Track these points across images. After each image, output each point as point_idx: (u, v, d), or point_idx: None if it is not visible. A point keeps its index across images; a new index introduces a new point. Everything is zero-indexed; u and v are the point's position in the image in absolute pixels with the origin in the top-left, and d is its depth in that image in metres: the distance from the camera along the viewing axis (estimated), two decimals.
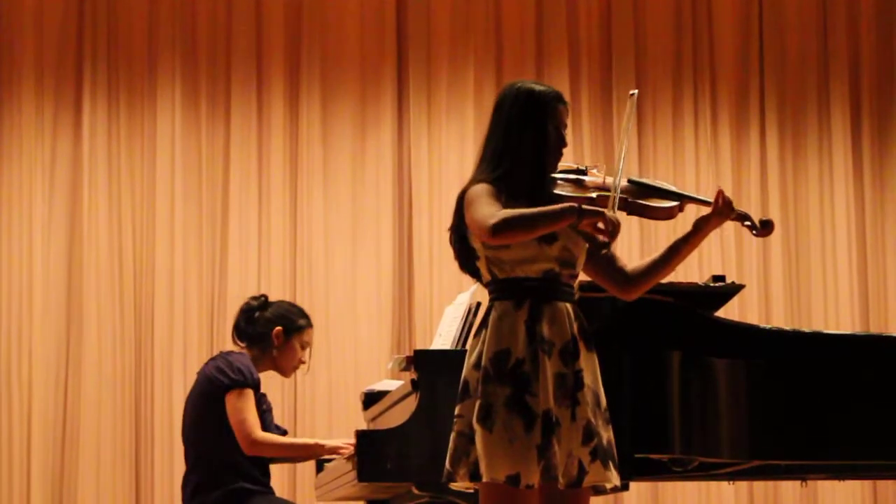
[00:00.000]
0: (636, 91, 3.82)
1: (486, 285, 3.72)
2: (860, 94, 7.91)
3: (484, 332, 3.63)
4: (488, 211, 3.55)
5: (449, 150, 7.47)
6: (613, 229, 3.48)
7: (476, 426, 3.54)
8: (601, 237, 3.51)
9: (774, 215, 7.71)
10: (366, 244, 7.38)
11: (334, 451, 5.12)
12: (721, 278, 4.65)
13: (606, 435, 3.61)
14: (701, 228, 3.78)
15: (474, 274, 3.74)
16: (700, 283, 4.69)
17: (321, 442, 5.23)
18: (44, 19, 7.32)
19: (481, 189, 3.62)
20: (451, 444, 3.61)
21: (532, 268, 3.62)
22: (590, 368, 3.63)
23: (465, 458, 3.57)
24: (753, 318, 7.45)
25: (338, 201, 7.41)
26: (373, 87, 7.52)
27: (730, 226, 7.54)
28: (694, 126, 7.76)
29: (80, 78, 7.32)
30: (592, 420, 3.57)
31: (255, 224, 7.32)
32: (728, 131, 7.78)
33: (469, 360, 3.64)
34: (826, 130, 7.85)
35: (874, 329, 7.63)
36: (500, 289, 3.65)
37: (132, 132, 7.31)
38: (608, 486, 3.61)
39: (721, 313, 4.68)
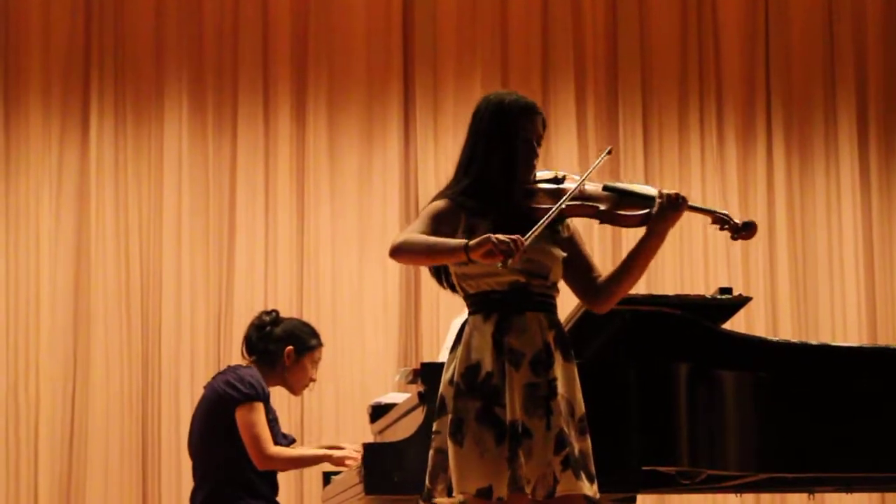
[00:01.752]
0: (610, 148, 3.78)
1: (464, 300, 3.71)
2: (867, 106, 7.91)
3: (458, 347, 3.64)
4: (407, 231, 3.59)
5: (455, 163, 7.46)
6: (506, 248, 3.39)
7: (448, 441, 3.54)
8: (497, 261, 3.43)
9: (781, 227, 7.71)
10: (372, 257, 7.38)
11: (343, 461, 5.12)
12: (728, 290, 4.65)
13: (580, 445, 3.57)
14: (654, 230, 3.66)
15: (453, 289, 3.74)
16: (707, 295, 4.69)
17: (330, 452, 5.22)
18: (51, 33, 7.34)
19: (429, 209, 3.65)
20: (429, 461, 3.61)
21: (497, 280, 3.61)
22: (565, 377, 3.60)
23: (443, 473, 3.57)
24: (760, 330, 7.44)
25: (344, 214, 7.41)
26: (379, 100, 7.53)
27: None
28: (700, 139, 7.76)
29: (87, 91, 7.33)
30: (565, 429, 3.53)
31: (262, 237, 7.33)
32: (734, 144, 7.78)
33: (444, 376, 3.64)
34: (833, 142, 7.85)
35: (882, 341, 7.62)
36: (472, 303, 3.66)
37: (139, 145, 7.32)
38: (585, 494, 3.53)
39: (728, 326, 4.68)
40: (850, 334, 7.62)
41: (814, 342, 4.95)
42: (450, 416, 3.56)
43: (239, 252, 7.29)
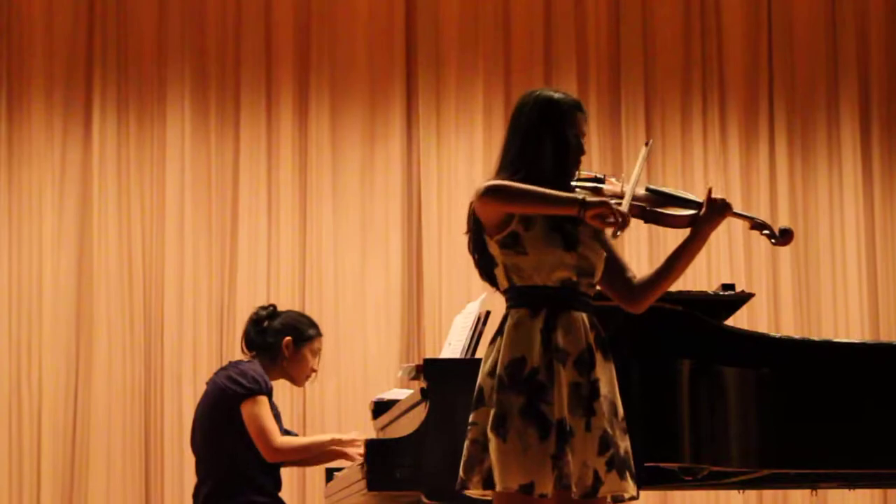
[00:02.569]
0: (651, 141, 3.85)
1: (503, 293, 3.69)
2: (869, 102, 7.91)
3: (499, 339, 3.62)
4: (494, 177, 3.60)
5: (458, 160, 7.48)
6: (622, 220, 3.46)
7: (490, 434, 3.53)
8: (609, 229, 3.48)
9: (784, 223, 7.67)
10: (375, 254, 7.38)
11: (352, 443, 5.12)
12: (731, 287, 4.65)
13: (624, 445, 3.59)
14: (699, 232, 3.73)
15: (493, 282, 3.73)
16: (710, 291, 4.69)
17: (336, 436, 5.23)
18: (54, 30, 7.34)
19: (496, 184, 3.60)
20: (465, 452, 3.59)
21: (550, 276, 3.61)
22: (606, 378, 3.61)
23: (479, 465, 3.55)
24: (763, 326, 7.44)
25: (347, 211, 7.42)
26: (382, 98, 7.53)
27: (738, 234, 7.59)
28: (703, 135, 7.76)
29: (90, 88, 7.33)
30: (609, 430, 3.55)
31: (265, 234, 7.33)
32: (737, 140, 7.78)
33: (484, 368, 3.63)
34: (835, 138, 7.85)
35: (884, 337, 7.63)
36: (517, 296, 3.64)
37: (142, 142, 7.33)
38: (626, 496, 3.57)
39: (730, 322, 4.68)
40: (852, 330, 7.62)
41: (816, 338, 4.95)
42: (492, 410, 3.54)
43: (241, 248, 7.30)
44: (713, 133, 7.76)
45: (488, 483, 3.53)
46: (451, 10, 7.62)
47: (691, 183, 7.63)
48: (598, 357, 3.61)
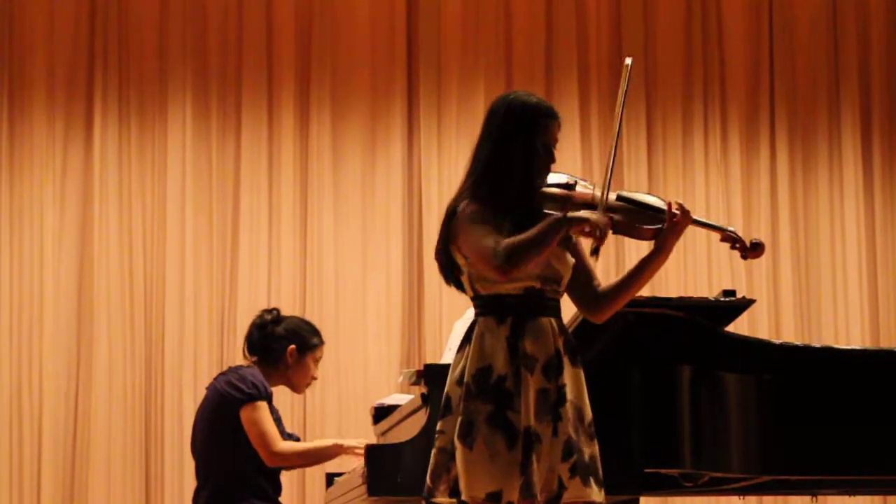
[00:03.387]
0: (630, 59, 3.76)
1: (471, 300, 3.71)
2: (870, 109, 7.91)
3: (467, 347, 3.62)
4: (489, 242, 3.54)
5: (459, 166, 7.45)
6: (601, 231, 3.47)
7: (457, 443, 3.53)
8: (591, 241, 3.50)
9: (785, 231, 7.71)
10: (376, 259, 7.39)
11: (353, 450, 5.12)
12: (731, 293, 4.65)
13: (589, 451, 3.58)
14: (664, 245, 3.67)
15: (459, 287, 3.74)
16: (710, 297, 4.69)
17: (340, 441, 5.22)
18: (54, 32, 7.34)
19: (472, 214, 3.60)
20: (431, 460, 3.60)
21: (513, 284, 3.60)
22: (573, 383, 3.60)
23: (446, 473, 3.56)
24: (763, 332, 7.44)
25: (348, 217, 7.42)
26: (383, 103, 7.53)
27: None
28: (704, 142, 7.76)
29: (90, 91, 7.34)
30: (573, 436, 3.54)
31: (266, 239, 7.34)
32: (738, 147, 7.78)
33: (452, 376, 3.62)
34: (836, 145, 7.86)
35: (885, 344, 7.62)
36: (483, 305, 3.64)
37: (143, 146, 7.33)
38: (590, 501, 3.54)
39: (731, 328, 4.68)
40: (852, 337, 7.62)
41: (817, 345, 4.95)
42: (459, 418, 3.54)
43: (242, 254, 7.30)
44: (714, 139, 7.77)
45: (454, 491, 3.53)
46: (452, 16, 7.62)
47: (692, 189, 7.63)
48: (566, 363, 3.60)
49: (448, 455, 3.56)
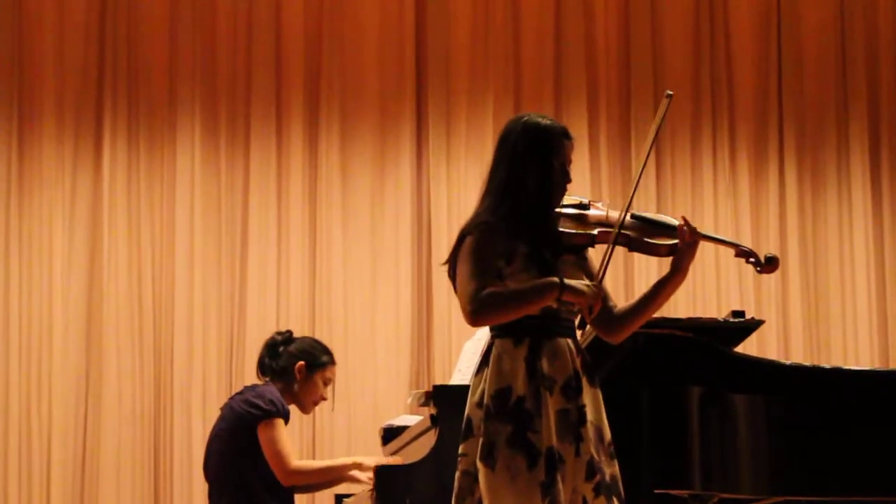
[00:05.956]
0: (671, 92, 3.80)
1: None
2: (879, 130, 7.92)
3: (485, 369, 3.63)
4: (472, 285, 3.56)
5: (468, 185, 7.48)
6: (592, 307, 3.53)
7: (479, 464, 3.54)
8: (584, 314, 3.55)
9: (793, 251, 7.71)
10: (385, 280, 7.39)
11: (369, 471, 5.09)
12: (741, 314, 4.65)
13: (610, 470, 3.60)
14: (680, 265, 3.71)
15: None
16: (720, 318, 4.69)
17: (359, 460, 5.19)
18: (64, 55, 7.37)
19: (474, 246, 3.61)
20: (455, 484, 3.61)
21: None
22: (592, 404, 3.62)
23: (470, 496, 3.57)
24: (772, 353, 7.44)
25: (357, 237, 7.43)
26: (392, 122, 7.55)
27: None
28: (713, 163, 7.76)
29: (100, 113, 7.35)
30: (595, 456, 3.56)
31: (274, 259, 7.34)
32: (746, 169, 7.78)
33: (472, 399, 3.64)
34: (845, 167, 7.86)
35: (894, 364, 7.62)
36: (500, 327, 3.65)
37: (152, 168, 7.34)
38: None
39: (740, 349, 4.68)
40: (862, 357, 7.61)
41: (826, 365, 4.95)
42: (480, 440, 3.55)
43: (251, 273, 7.30)
44: (723, 160, 7.77)
45: None
46: (461, 36, 7.64)
47: (700, 211, 7.63)
48: (585, 383, 3.62)
49: (472, 478, 3.57)
